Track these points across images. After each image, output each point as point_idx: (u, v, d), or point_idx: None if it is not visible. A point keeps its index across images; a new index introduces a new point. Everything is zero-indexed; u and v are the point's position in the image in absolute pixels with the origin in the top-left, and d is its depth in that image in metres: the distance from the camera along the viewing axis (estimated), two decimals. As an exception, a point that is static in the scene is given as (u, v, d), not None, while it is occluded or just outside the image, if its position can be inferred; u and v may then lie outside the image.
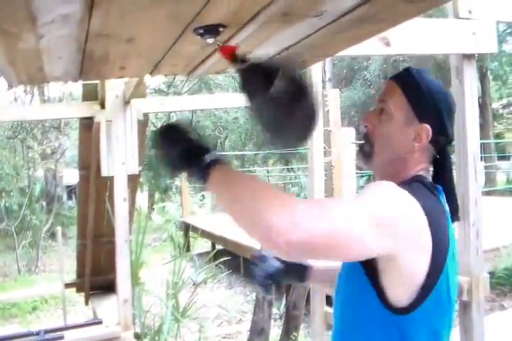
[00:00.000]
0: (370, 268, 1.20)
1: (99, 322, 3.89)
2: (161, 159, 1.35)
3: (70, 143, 17.64)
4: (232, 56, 1.52)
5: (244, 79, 1.51)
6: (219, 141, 20.75)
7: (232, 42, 1.66)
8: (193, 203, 14.58)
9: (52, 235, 13.77)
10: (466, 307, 3.06)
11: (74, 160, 22.44)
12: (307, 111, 1.29)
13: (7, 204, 12.97)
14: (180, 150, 1.30)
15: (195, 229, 11.07)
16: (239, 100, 5.35)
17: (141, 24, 1.40)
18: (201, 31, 1.44)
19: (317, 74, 4.39)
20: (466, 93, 3.08)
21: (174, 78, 17.66)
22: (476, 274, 3.07)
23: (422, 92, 1.32)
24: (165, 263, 5.18)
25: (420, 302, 1.18)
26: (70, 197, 21.44)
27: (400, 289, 1.18)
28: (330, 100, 5.04)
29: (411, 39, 2.86)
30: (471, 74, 3.09)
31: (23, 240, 12.06)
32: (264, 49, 1.80)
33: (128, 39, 1.52)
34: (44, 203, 14.28)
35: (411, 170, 1.33)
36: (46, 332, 3.65)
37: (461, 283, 3.05)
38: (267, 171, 20.83)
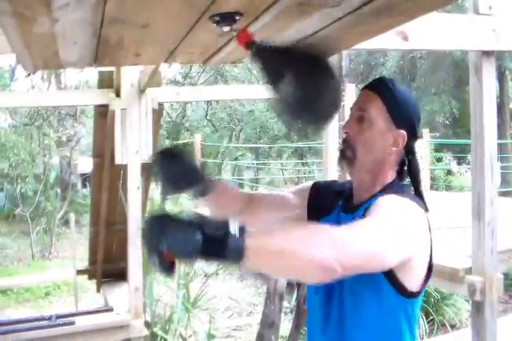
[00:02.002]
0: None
1: (110, 310, 3.91)
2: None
3: (86, 131, 17.72)
4: (248, 43, 1.51)
5: (263, 66, 1.51)
6: (234, 133, 20.76)
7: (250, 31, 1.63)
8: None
9: (66, 222, 13.87)
10: (479, 307, 3.02)
11: (89, 149, 22.48)
12: (330, 90, 1.40)
13: (22, 190, 13.08)
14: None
15: (208, 220, 11.09)
16: (254, 92, 5.34)
17: (156, 10, 1.38)
18: (217, 19, 1.42)
19: (335, 69, 4.37)
20: (485, 91, 3.04)
21: (190, 69, 17.67)
22: (490, 274, 3.02)
23: (398, 101, 1.46)
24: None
25: (424, 287, 1.40)
26: (84, 185, 21.56)
27: (412, 278, 1.36)
28: (346, 95, 5.02)
29: (429, 34, 2.82)
30: (489, 72, 3.04)
31: (37, 226, 12.16)
32: (279, 40, 1.78)
33: (143, 25, 1.50)
34: (59, 190, 14.40)
35: (387, 171, 1.49)
36: (58, 317, 3.67)
37: (475, 283, 3.02)
38: (281, 164, 20.80)
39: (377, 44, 2.48)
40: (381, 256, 1.21)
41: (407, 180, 1.53)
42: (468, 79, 3.13)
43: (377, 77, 1.59)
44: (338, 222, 1.49)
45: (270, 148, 19.89)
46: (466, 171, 19.88)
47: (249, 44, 1.52)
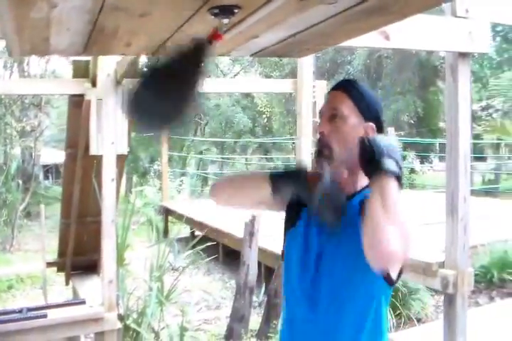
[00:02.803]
0: None
1: (83, 302, 3.86)
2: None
3: (50, 122, 17.40)
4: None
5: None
6: (199, 127, 20.68)
7: (243, 25, 1.63)
8: (172, 188, 14.51)
9: (28, 214, 13.62)
10: (451, 300, 3.11)
11: (52, 140, 22.25)
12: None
13: (-18, 181, 12.75)
14: None
15: (175, 214, 11.05)
16: (222, 85, 5.33)
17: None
18: (216, 11, 1.43)
19: (309, 65, 4.40)
20: (460, 91, 3.12)
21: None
22: (462, 268, 3.11)
23: (365, 98, 1.62)
24: (150, 246, 5.14)
25: (399, 278, 1.57)
26: (46, 177, 21.26)
27: (396, 268, 1.51)
28: (317, 91, 5.05)
29: (409, 34, 2.88)
30: (465, 73, 3.13)
31: (-2, 218, 11.87)
32: (272, 33, 1.79)
33: (141, 14, 1.49)
34: (20, 181, 14.07)
35: None
36: (29, 310, 3.61)
37: (448, 277, 3.10)
38: (246, 159, 20.84)
39: (359, 42, 2.51)
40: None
41: None
42: (433, 79, 3.21)
43: (341, 79, 1.80)
44: None
45: (235, 142, 19.91)
46: (428, 170, 20.28)
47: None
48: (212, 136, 19.99)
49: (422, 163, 19.40)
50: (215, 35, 1.44)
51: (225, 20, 1.44)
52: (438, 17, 3.08)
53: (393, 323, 5.16)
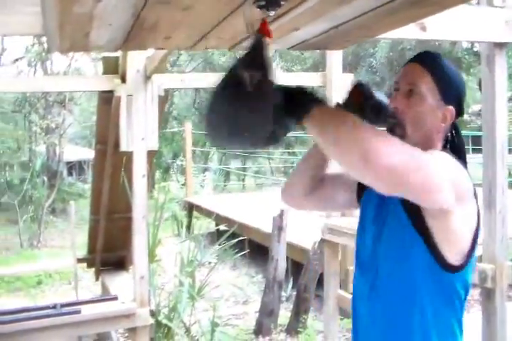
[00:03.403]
0: (419, 226, 1.32)
1: (115, 298, 3.86)
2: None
3: (73, 119, 17.55)
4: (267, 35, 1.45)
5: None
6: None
7: (286, 18, 1.61)
8: (195, 183, 14.54)
9: (54, 211, 13.78)
10: (489, 294, 3.05)
11: (76, 136, 22.47)
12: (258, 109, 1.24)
13: (9, 178, 12.92)
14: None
15: (199, 209, 11.06)
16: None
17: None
18: (262, 3, 1.39)
19: (338, 58, 4.35)
20: (497, 82, 3.06)
21: (178, 57, 17.53)
22: (500, 262, 3.05)
23: (447, 77, 1.45)
24: (181, 241, 5.15)
25: (466, 264, 1.35)
26: (70, 174, 21.46)
27: (452, 248, 1.32)
28: (345, 84, 4.99)
29: (446, 25, 2.83)
30: (501, 64, 3.07)
31: (24, 214, 12.01)
32: (314, 26, 1.76)
33: (185, 7, 1.47)
34: (45, 178, 14.24)
35: (436, 147, 1.46)
36: (62, 305, 3.62)
37: (486, 270, 3.04)
38: (268, 154, 20.80)
39: (396, 34, 2.46)
40: (431, 180, 1.19)
41: None
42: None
43: (424, 50, 1.56)
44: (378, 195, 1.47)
45: (258, 137, 19.84)
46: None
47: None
48: (234, 131, 19.96)
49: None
50: (265, 30, 1.39)
51: (271, 13, 1.41)
52: (474, 7, 3.04)
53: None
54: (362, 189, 1.60)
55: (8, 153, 13.24)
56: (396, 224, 1.39)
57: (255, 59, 1.27)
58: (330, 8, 1.54)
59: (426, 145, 1.41)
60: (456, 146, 1.50)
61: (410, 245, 1.35)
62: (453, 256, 1.34)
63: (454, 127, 1.51)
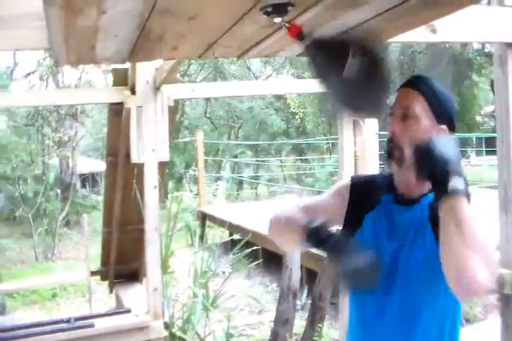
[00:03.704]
0: None
1: (128, 311, 3.85)
2: None
3: (85, 131, 17.63)
4: (300, 34, 1.49)
5: (314, 59, 1.49)
6: (233, 130, 20.71)
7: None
8: (208, 193, 14.53)
9: (68, 223, 13.82)
10: (508, 300, 2.98)
11: (88, 149, 22.55)
12: (381, 84, 1.45)
13: (23, 192, 12.99)
14: None
15: (212, 219, 11.03)
16: (266, 88, 5.27)
17: (209, 0, 1.34)
18: (269, 10, 1.39)
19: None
20: (510, 82, 3.00)
21: (189, 67, 17.58)
22: (519, 267, 2.98)
23: (439, 97, 1.51)
24: (196, 252, 5.12)
25: None
26: (83, 186, 21.52)
27: None
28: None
29: (456, 26, 2.77)
30: (514, 64, 3.02)
31: (38, 227, 12.06)
32: (322, 32, 1.73)
33: (191, 17, 1.45)
34: (59, 191, 14.30)
35: None
36: (76, 319, 3.62)
37: (504, 276, 2.98)
38: (281, 161, 20.78)
39: (405, 37, 2.43)
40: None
41: None
42: (467, 73, 3.12)
43: (413, 74, 1.64)
44: (390, 214, 1.55)
45: (269, 145, 19.87)
46: (465, 165, 19.93)
47: (301, 36, 1.50)
48: (246, 139, 19.98)
49: (460, 158, 18.99)
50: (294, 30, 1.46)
51: (278, 19, 1.41)
52: (485, 7, 2.99)
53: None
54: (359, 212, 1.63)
55: (21, 167, 13.30)
56: (424, 242, 1.44)
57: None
58: (338, 13, 1.53)
59: None
60: None
61: (437, 264, 1.36)
62: None
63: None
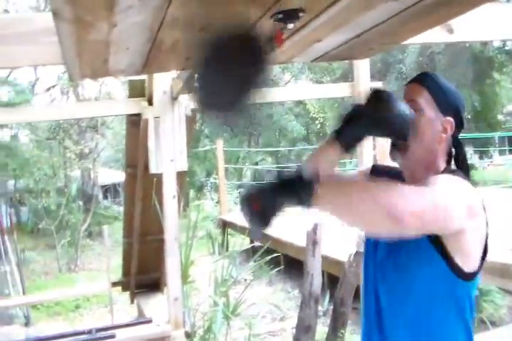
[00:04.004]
0: (434, 239, 1.38)
1: (149, 321, 3.86)
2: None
3: (106, 143, 17.78)
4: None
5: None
6: (253, 138, 20.72)
7: (307, 29, 1.59)
8: (229, 200, 14.54)
9: (90, 234, 13.93)
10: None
11: (109, 160, 22.72)
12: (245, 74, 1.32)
13: (45, 204, 13.13)
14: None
15: (234, 226, 11.03)
16: (285, 94, 5.26)
17: (219, 11, 1.34)
18: (280, 16, 1.39)
19: (365, 67, 4.30)
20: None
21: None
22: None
23: (443, 92, 1.54)
24: (214, 261, 5.13)
25: (478, 271, 1.44)
26: (105, 197, 21.69)
27: (465, 257, 1.41)
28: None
29: (473, 26, 2.75)
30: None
31: (62, 239, 12.18)
32: (336, 36, 1.74)
33: (201, 28, 1.46)
34: (81, 203, 14.45)
35: (439, 160, 1.54)
36: (97, 330, 3.64)
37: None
38: (302, 167, 20.70)
39: (421, 38, 2.41)
40: (448, 213, 1.27)
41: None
42: (488, 71, 3.07)
43: (421, 72, 1.64)
44: None
45: (290, 151, 19.85)
46: (488, 165, 19.69)
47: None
48: (266, 146, 20.00)
49: (481, 158, 18.84)
50: (278, 38, 1.40)
51: (290, 25, 1.41)
52: (501, 5, 2.95)
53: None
54: None
55: (44, 180, 13.44)
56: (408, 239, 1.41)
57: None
58: (350, 18, 1.53)
59: (429, 156, 1.54)
60: (459, 161, 1.59)
61: (425, 256, 1.41)
62: (466, 264, 1.42)
63: (457, 141, 1.59)
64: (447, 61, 16.63)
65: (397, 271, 1.49)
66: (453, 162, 1.59)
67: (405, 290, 1.47)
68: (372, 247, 1.60)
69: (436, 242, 1.39)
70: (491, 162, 19.86)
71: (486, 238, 1.46)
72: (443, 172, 1.51)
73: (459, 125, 1.56)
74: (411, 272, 1.45)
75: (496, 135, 16.73)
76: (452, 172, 1.51)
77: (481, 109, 16.88)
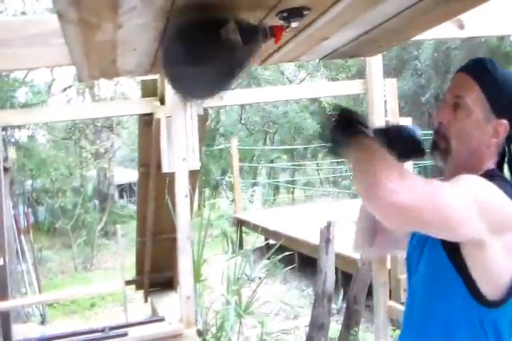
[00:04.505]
0: (456, 258, 1.24)
1: (162, 319, 3.88)
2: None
3: (121, 142, 17.89)
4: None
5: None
6: (268, 136, 20.72)
7: (313, 27, 1.59)
8: (244, 199, 14.57)
9: (106, 233, 14.04)
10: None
11: (125, 159, 22.86)
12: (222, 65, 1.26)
13: (62, 204, 13.26)
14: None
15: (248, 225, 11.06)
16: (299, 92, 5.26)
17: (223, 9, 1.35)
18: (285, 15, 1.38)
19: (378, 64, 4.28)
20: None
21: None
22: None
23: (499, 87, 1.31)
24: (227, 259, 5.15)
25: (509, 298, 1.24)
26: (121, 196, 21.81)
27: (491, 282, 1.23)
28: (387, 90, 4.89)
29: (484, 20, 2.68)
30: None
31: (78, 238, 12.31)
32: (343, 33, 1.73)
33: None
34: (97, 202, 14.57)
35: (485, 164, 1.35)
36: (110, 328, 3.67)
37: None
38: (317, 164, 20.69)
39: (431, 34, 2.36)
40: (453, 215, 1.15)
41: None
42: (505, 66, 3.02)
43: (474, 58, 1.42)
44: None
45: (305, 148, 19.84)
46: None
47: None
48: (281, 144, 20.00)
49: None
50: (277, 34, 1.37)
51: (295, 24, 1.39)
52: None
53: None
54: None
55: (60, 180, 13.59)
56: (432, 256, 1.34)
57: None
58: (356, 15, 1.51)
59: (473, 160, 1.36)
60: (510, 162, 1.40)
61: (445, 279, 1.29)
62: (493, 290, 1.25)
63: (510, 141, 1.38)
64: (463, 56, 16.43)
65: (422, 286, 1.38)
66: (505, 166, 1.40)
67: (429, 307, 1.34)
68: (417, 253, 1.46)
69: (459, 264, 1.25)
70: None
71: None
72: (482, 174, 1.31)
73: None
74: (433, 294, 1.34)
75: (512, 130, 16.56)
76: (491, 176, 1.30)
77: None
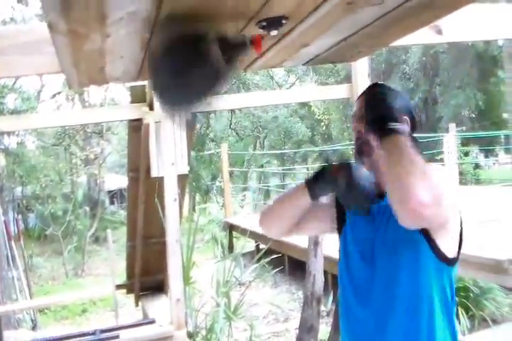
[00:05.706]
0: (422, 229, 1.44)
1: (153, 322, 3.93)
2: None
3: (112, 148, 17.89)
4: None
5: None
6: (258, 140, 20.77)
7: (293, 35, 1.65)
8: (235, 203, 14.60)
9: (97, 240, 14.02)
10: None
11: (115, 165, 22.83)
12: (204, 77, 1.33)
13: (52, 210, 13.23)
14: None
15: (239, 229, 11.08)
16: (280, 97, 5.32)
17: (205, 18, 1.41)
18: (264, 24, 1.44)
19: (363, 69, 4.35)
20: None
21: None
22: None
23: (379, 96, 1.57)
24: (217, 262, 5.20)
25: (458, 258, 1.52)
26: (111, 202, 21.79)
27: (447, 244, 1.48)
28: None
29: (463, 26, 2.77)
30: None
31: (68, 245, 12.28)
32: (323, 40, 1.80)
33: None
34: (87, 208, 14.55)
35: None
36: (102, 331, 3.71)
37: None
38: (307, 169, 20.74)
39: (410, 40, 2.44)
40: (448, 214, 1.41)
41: None
42: (492, 70, 3.10)
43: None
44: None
45: (295, 153, 19.90)
46: (493, 163, 19.60)
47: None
48: (271, 149, 20.05)
49: (486, 157, 18.82)
50: (256, 43, 1.44)
51: (274, 32, 1.46)
52: (491, 5, 2.97)
53: (466, 326, 4.95)
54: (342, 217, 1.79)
55: (50, 186, 13.56)
56: (398, 230, 1.44)
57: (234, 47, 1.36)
58: (333, 22, 1.57)
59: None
60: None
61: (415, 244, 1.46)
62: (448, 251, 1.49)
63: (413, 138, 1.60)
64: (451, 60, 16.62)
65: (385, 249, 1.53)
66: None
67: (393, 272, 1.51)
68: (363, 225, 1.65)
69: (424, 233, 1.44)
70: (497, 161, 19.77)
71: (461, 228, 1.53)
72: None
73: (413, 124, 1.61)
74: (398, 252, 1.50)
75: (502, 134, 16.63)
76: None
77: (485, 107, 16.84)
